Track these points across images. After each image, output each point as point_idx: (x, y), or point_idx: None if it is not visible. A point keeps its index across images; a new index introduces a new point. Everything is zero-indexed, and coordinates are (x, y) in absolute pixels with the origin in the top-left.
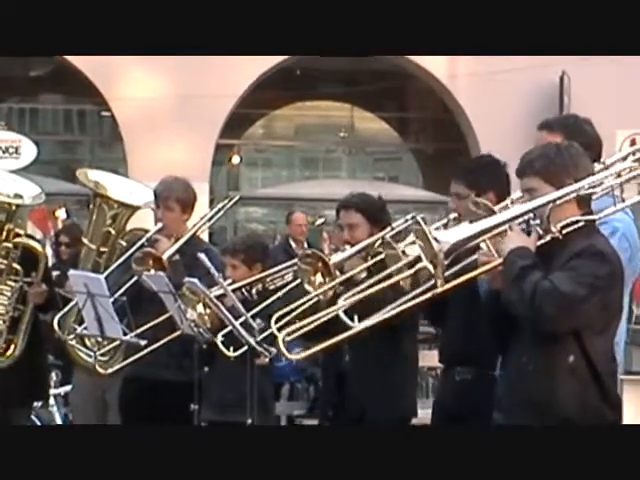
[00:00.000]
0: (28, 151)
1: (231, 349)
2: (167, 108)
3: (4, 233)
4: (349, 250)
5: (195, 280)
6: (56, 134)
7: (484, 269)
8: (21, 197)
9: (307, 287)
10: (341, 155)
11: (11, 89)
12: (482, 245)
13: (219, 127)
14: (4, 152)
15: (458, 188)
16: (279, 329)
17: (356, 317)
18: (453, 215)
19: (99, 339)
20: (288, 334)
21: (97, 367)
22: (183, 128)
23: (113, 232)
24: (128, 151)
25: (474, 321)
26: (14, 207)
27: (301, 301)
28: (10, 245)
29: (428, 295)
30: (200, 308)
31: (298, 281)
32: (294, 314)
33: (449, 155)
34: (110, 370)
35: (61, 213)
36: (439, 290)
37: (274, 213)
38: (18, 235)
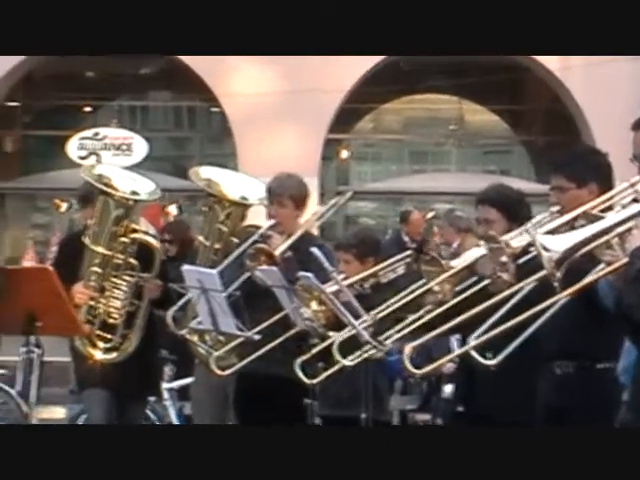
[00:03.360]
0: (140, 148)
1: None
2: (277, 103)
3: (121, 229)
4: (473, 253)
5: (309, 275)
6: (166, 131)
7: (609, 269)
8: (138, 194)
9: (435, 288)
10: (451, 148)
11: (122, 87)
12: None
13: (328, 122)
14: (117, 149)
15: (559, 181)
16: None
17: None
18: (555, 208)
19: (217, 337)
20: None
21: (214, 368)
22: (293, 123)
23: (226, 229)
24: (238, 147)
25: (575, 314)
26: (131, 203)
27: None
28: (127, 240)
29: (552, 300)
30: (314, 303)
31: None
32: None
33: (561, 147)
34: (228, 371)
35: (172, 209)
36: (562, 295)
37: (384, 207)
38: (135, 231)
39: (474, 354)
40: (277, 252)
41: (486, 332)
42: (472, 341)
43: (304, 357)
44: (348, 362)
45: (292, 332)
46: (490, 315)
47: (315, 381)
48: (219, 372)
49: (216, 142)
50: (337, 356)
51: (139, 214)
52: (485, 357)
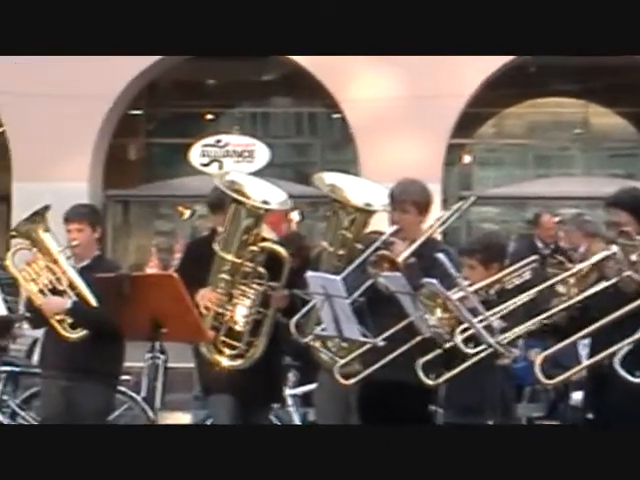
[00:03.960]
0: (262, 155)
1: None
2: (398, 109)
3: (251, 237)
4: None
5: (434, 281)
6: (287, 137)
7: None
8: (269, 203)
9: (561, 290)
10: (575, 152)
11: (243, 94)
12: None
13: (450, 127)
14: (239, 156)
15: None
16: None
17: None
18: None
19: (340, 343)
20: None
21: (338, 377)
22: (414, 129)
23: (350, 236)
24: (360, 153)
25: None
26: (262, 212)
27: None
28: (256, 249)
29: None
30: (439, 309)
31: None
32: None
33: None
34: (352, 380)
35: (295, 215)
36: None
37: (507, 212)
38: (264, 239)
39: (619, 370)
40: (400, 258)
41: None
42: (617, 357)
43: (426, 358)
44: (470, 350)
45: (418, 339)
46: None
47: (437, 382)
48: (343, 381)
49: (337, 148)
50: (460, 346)
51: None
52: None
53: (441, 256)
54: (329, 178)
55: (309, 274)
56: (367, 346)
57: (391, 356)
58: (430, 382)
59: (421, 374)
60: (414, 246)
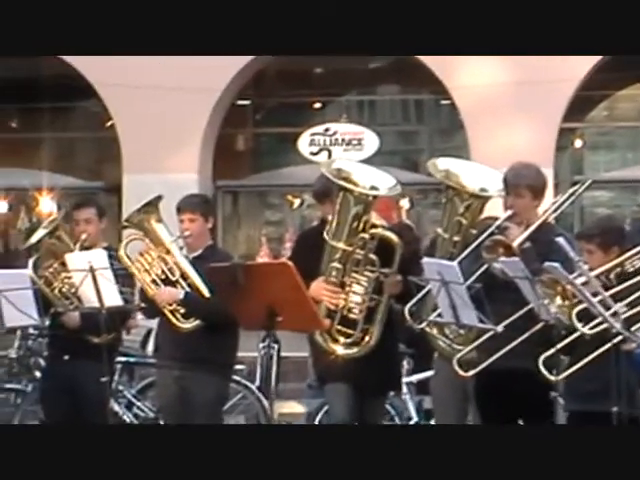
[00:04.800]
0: (370, 143)
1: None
2: (508, 94)
3: (361, 224)
4: None
5: (556, 264)
6: (394, 125)
7: None
8: (377, 189)
9: None
10: None
11: (350, 82)
12: None
13: (562, 111)
14: (347, 144)
15: None
16: None
17: None
18: None
19: (457, 330)
20: None
21: (457, 369)
22: (525, 113)
23: (465, 222)
24: (470, 139)
25: None
26: (371, 199)
27: None
28: (367, 236)
29: None
30: (558, 297)
31: None
32: None
33: None
34: (472, 372)
35: (405, 203)
36: None
37: (620, 196)
38: (374, 226)
39: None
40: (515, 243)
41: None
42: None
43: (549, 352)
44: (587, 330)
45: (538, 326)
46: None
47: (561, 377)
48: (462, 373)
49: (445, 135)
50: (577, 325)
51: (373, 208)
52: None
53: (561, 240)
54: (443, 164)
55: (425, 260)
56: (487, 333)
57: (511, 344)
58: (553, 377)
59: (543, 369)
60: (529, 230)
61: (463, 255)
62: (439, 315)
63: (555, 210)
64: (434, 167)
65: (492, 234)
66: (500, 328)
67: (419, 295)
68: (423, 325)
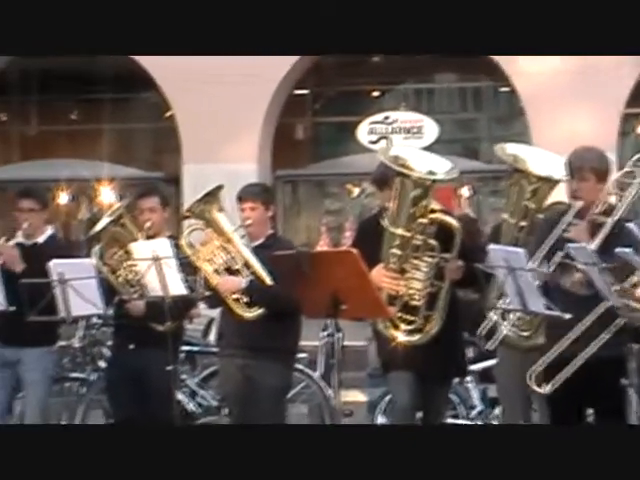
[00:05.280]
0: (430, 131)
1: None
2: (570, 80)
3: (420, 209)
4: None
5: (628, 250)
6: (452, 113)
7: None
8: (434, 173)
9: None
10: None
11: (409, 70)
12: None
13: (625, 96)
14: (407, 132)
15: None
16: None
17: None
18: None
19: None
20: None
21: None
22: (587, 99)
23: (533, 206)
24: (531, 126)
25: None
26: (428, 183)
27: None
28: (426, 221)
29: None
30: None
31: None
32: None
33: None
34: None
35: (464, 191)
36: None
37: None
38: (433, 211)
39: None
40: (593, 247)
41: None
42: None
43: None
44: None
45: (599, 311)
46: None
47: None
48: None
49: (505, 122)
50: None
51: (432, 196)
52: None
53: (632, 226)
54: (511, 148)
55: (491, 247)
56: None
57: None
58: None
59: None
60: (603, 234)
61: (543, 246)
62: (507, 302)
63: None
64: (502, 151)
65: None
66: (567, 315)
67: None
68: (492, 313)
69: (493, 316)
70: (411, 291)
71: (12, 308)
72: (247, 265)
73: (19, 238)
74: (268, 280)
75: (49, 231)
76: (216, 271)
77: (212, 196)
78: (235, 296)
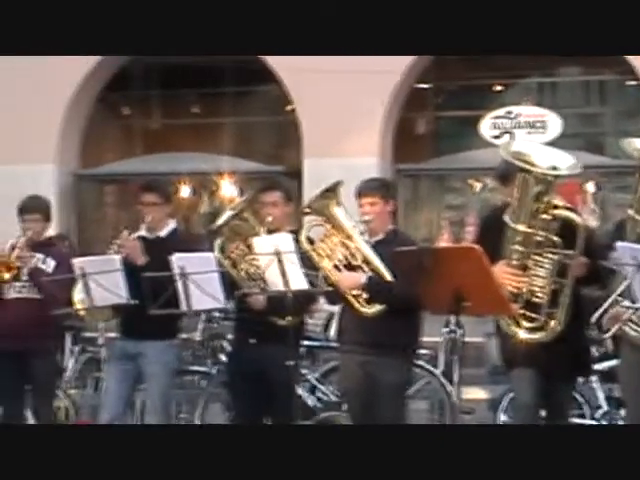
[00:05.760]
0: (554, 125)
1: None
2: None
3: (542, 205)
4: None
5: None
6: (575, 107)
7: None
8: (557, 168)
9: None
10: None
11: (532, 64)
12: None
13: None
14: (531, 127)
15: None
16: None
17: None
18: None
19: None
20: None
21: None
22: None
23: None
24: None
25: None
26: (551, 179)
27: None
28: (548, 217)
29: None
30: None
31: None
32: None
33: None
34: None
35: (590, 187)
36: None
37: None
38: (556, 207)
39: None
40: None
41: None
42: None
43: None
44: None
45: None
46: None
47: None
48: None
49: (631, 116)
50: None
51: (556, 192)
52: None
53: None
54: (638, 143)
55: (619, 244)
56: None
57: None
58: None
59: None
60: None
61: None
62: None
63: None
64: (629, 146)
65: None
66: None
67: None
68: (613, 311)
69: (619, 314)
70: (533, 288)
71: (134, 301)
72: (367, 261)
73: (142, 231)
74: (388, 276)
75: (171, 225)
76: (336, 267)
77: (331, 192)
78: (355, 292)
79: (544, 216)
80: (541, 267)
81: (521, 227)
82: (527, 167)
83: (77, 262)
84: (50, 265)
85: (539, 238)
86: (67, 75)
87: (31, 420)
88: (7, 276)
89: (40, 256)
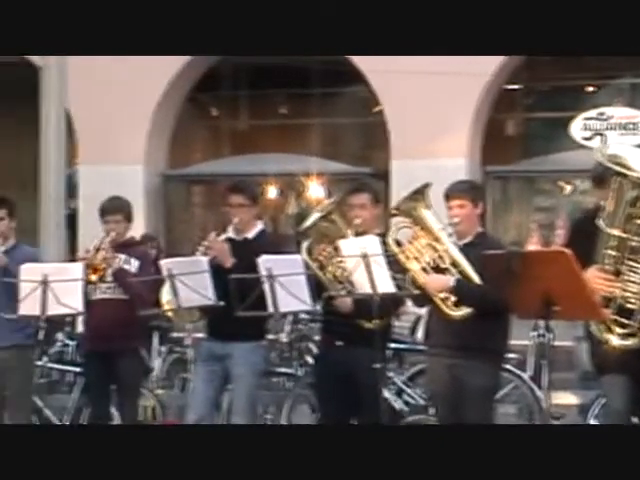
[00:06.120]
0: None
1: None
2: None
3: (637, 210)
4: None
5: None
6: None
7: None
8: None
9: None
10: None
11: (624, 65)
12: None
13: None
14: (623, 129)
15: None
16: None
17: None
18: None
19: None
20: None
21: None
22: None
23: None
24: None
25: None
26: None
27: None
28: None
29: None
30: None
31: None
32: None
33: None
34: None
35: None
36: None
37: None
38: None
39: None
40: None
41: None
42: None
43: None
44: None
45: None
46: None
47: None
48: None
49: None
50: None
51: None
52: None
53: None
54: None
55: None
56: None
57: None
58: None
59: None
60: None
61: None
62: None
63: None
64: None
65: None
66: None
67: None
68: None
69: None
70: (626, 294)
71: (221, 303)
72: (455, 264)
73: (229, 233)
74: (476, 279)
75: (259, 226)
76: (423, 269)
77: (420, 194)
78: (442, 295)
79: (637, 221)
80: (635, 272)
81: (616, 232)
82: (623, 171)
83: (164, 263)
84: (134, 265)
85: (634, 243)
86: (156, 76)
87: (117, 420)
88: (94, 277)
89: (123, 257)
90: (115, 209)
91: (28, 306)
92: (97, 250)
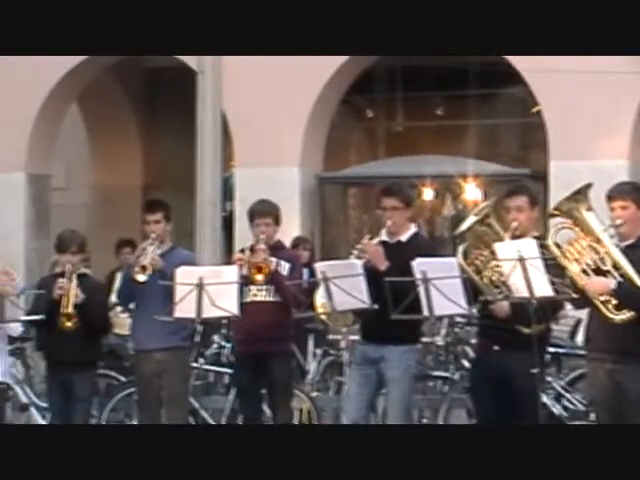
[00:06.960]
0: None
1: None
2: None
3: None
4: None
5: None
6: None
7: None
8: None
9: None
10: None
11: None
12: None
13: None
14: None
15: None
16: None
17: None
18: None
19: None
20: None
21: None
22: None
23: None
24: None
25: None
26: None
27: None
28: None
29: None
30: None
31: None
32: None
33: None
34: None
35: None
36: None
37: None
38: None
39: None
40: None
41: None
42: None
43: None
44: None
45: None
46: None
47: None
48: None
49: None
50: None
51: None
52: None
53: None
54: None
55: None
56: None
57: None
58: None
59: None
60: None
61: None
62: None
63: None
64: None
65: None
66: None
67: None
68: None
69: None
70: None
71: (376, 306)
72: (616, 266)
73: (383, 236)
74: (639, 282)
75: (412, 229)
76: (584, 271)
77: (581, 194)
78: (603, 298)
79: None
80: None
81: None
82: None
83: (319, 266)
84: (285, 268)
85: None
86: (312, 78)
87: (270, 421)
88: (259, 277)
89: (274, 260)
90: (265, 212)
91: (184, 309)
92: (252, 251)
